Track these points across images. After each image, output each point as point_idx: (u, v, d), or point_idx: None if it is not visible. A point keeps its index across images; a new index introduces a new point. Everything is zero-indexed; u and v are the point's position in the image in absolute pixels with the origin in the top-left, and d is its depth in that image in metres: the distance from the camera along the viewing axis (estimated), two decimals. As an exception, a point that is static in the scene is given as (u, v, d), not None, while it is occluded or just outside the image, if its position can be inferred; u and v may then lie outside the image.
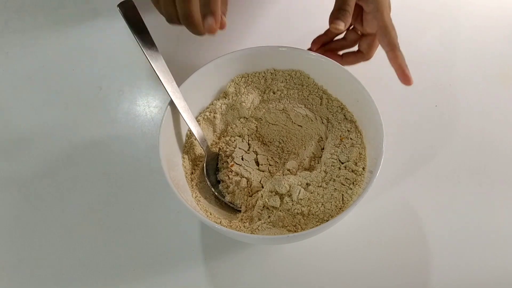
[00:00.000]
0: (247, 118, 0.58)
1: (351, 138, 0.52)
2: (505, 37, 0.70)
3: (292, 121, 0.57)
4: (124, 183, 0.58)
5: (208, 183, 0.53)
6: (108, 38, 0.71)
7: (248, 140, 0.57)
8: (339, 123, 0.54)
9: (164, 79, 0.49)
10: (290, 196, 0.49)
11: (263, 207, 0.50)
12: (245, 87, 0.57)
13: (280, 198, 0.49)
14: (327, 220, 0.47)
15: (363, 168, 0.50)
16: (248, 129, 0.57)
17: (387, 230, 0.54)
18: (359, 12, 0.55)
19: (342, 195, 0.49)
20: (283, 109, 0.56)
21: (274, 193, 0.49)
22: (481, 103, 0.63)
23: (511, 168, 0.58)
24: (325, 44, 0.60)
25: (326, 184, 0.50)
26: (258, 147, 0.56)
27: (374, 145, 0.50)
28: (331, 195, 0.49)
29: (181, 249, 0.53)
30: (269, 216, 0.49)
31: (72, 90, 0.66)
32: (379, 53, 0.68)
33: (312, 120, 0.56)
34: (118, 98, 0.65)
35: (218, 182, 0.54)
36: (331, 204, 0.48)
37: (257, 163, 0.55)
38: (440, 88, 0.65)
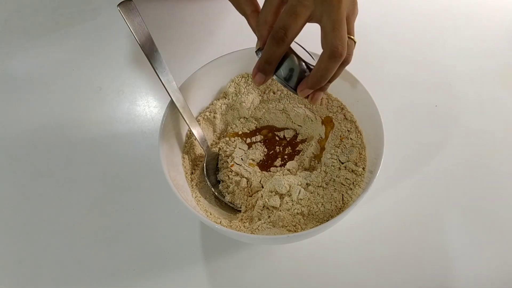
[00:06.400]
0: (247, 118, 0.58)
1: (351, 138, 0.52)
2: (505, 37, 0.70)
3: (292, 121, 0.57)
4: (124, 183, 0.58)
5: (208, 183, 0.53)
6: (108, 38, 0.71)
7: (248, 140, 0.57)
8: (339, 123, 0.54)
9: (164, 79, 0.49)
10: (290, 196, 0.49)
11: (263, 207, 0.50)
12: (245, 87, 0.57)
13: (280, 198, 0.49)
14: (327, 220, 0.47)
15: (363, 169, 0.50)
16: (248, 129, 0.57)
17: (387, 230, 0.54)
18: None
19: (342, 195, 0.49)
20: (283, 109, 0.56)
21: (274, 193, 0.49)
22: (481, 103, 0.63)
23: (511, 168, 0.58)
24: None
25: (326, 184, 0.50)
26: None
27: (374, 145, 0.50)
28: (331, 195, 0.49)
29: (181, 249, 0.53)
30: (269, 216, 0.49)
31: (72, 90, 0.66)
32: (379, 54, 0.68)
33: (312, 120, 0.56)
34: (118, 98, 0.65)
35: (218, 182, 0.54)
36: (331, 204, 0.48)
37: (257, 163, 0.55)
38: (440, 88, 0.65)
